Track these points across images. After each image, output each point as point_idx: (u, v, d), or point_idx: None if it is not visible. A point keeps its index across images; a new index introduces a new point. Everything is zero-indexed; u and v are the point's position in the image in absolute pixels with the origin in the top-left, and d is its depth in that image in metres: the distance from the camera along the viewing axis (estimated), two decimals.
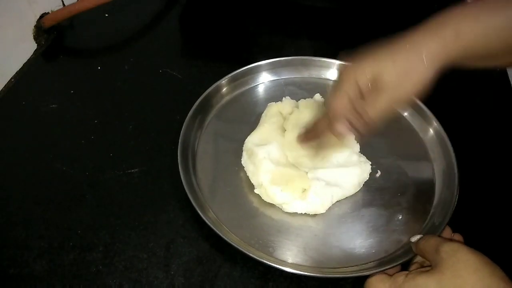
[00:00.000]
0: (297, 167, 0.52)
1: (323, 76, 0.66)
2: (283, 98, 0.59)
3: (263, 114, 0.58)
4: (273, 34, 0.78)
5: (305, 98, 0.60)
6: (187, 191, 0.49)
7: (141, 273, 0.46)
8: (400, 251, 0.47)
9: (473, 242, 0.49)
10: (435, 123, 0.58)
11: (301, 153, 0.53)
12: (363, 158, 0.53)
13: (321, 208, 0.50)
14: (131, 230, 0.49)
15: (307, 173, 0.51)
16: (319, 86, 0.64)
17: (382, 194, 0.52)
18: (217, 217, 0.49)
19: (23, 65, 0.69)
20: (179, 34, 0.79)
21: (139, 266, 0.47)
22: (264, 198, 0.51)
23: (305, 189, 0.50)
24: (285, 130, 0.55)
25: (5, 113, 0.62)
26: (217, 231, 0.46)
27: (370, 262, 0.46)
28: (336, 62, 0.65)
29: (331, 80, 0.65)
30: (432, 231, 0.47)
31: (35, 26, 0.71)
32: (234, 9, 0.82)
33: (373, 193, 0.53)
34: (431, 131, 0.58)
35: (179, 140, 0.54)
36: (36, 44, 0.72)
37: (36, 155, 0.57)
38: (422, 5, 0.77)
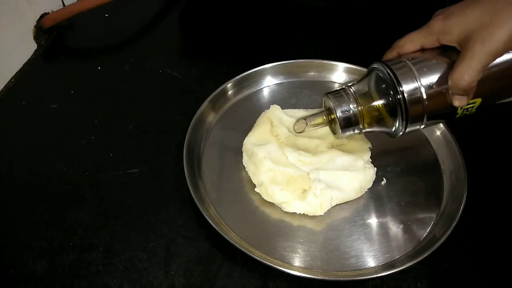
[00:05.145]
0: (298, 168, 0.52)
1: (327, 79, 0.66)
2: (270, 105, 0.58)
3: (258, 119, 0.58)
4: (273, 34, 0.78)
5: (310, 100, 0.61)
6: (191, 190, 0.49)
7: (141, 273, 0.46)
8: (396, 260, 0.47)
9: (475, 259, 0.49)
10: (442, 125, 0.57)
11: (302, 154, 0.53)
12: (369, 165, 0.53)
13: (319, 210, 0.50)
14: (131, 230, 0.49)
15: (308, 173, 0.51)
16: (326, 88, 0.65)
17: (385, 202, 0.52)
18: (217, 213, 0.50)
19: (23, 65, 0.69)
20: (179, 34, 0.79)
21: (139, 266, 0.47)
22: (264, 196, 0.51)
23: (305, 190, 0.50)
24: (276, 135, 0.55)
25: (5, 113, 0.62)
26: (217, 229, 0.46)
27: (363, 269, 0.46)
28: (340, 64, 0.65)
29: (336, 82, 0.66)
30: (433, 243, 0.46)
31: (35, 26, 0.71)
32: (233, 9, 0.82)
33: (376, 200, 0.52)
34: (439, 134, 0.58)
35: (185, 142, 0.54)
36: (36, 44, 0.72)
37: (36, 155, 0.57)
38: (422, 6, 0.78)
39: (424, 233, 0.49)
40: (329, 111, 0.48)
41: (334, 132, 0.49)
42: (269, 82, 0.65)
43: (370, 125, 0.47)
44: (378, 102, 0.45)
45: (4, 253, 0.47)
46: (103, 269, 0.46)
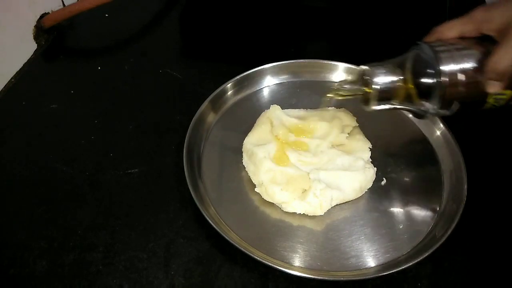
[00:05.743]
0: (298, 168, 0.52)
1: (327, 79, 0.66)
2: (270, 105, 0.58)
3: (258, 119, 0.58)
4: (273, 34, 0.78)
5: (310, 100, 0.61)
6: (191, 190, 0.49)
7: (141, 273, 0.46)
8: (396, 260, 0.47)
9: (475, 259, 0.49)
10: (442, 124, 0.57)
11: (302, 154, 0.53)
12: (369, 165, 0.53)
13: (319, 210, 0.50)
14: (131, 230, 0.49)
15: (308, 173, 0.51)
16: (326, 88, 0.64)
17: (385, 202, 0.52)
18: (217, 213, 0.50)
19: (23, 65, 0.69)
20: (179, 34, 0.79)
21: (139, 266, 0.47)
22: (264, 196, 0.51)
23: (305, 190, 0.50)
24: (276, 136, 0.55)
25: (5, 113, 0.62)
26: (217, 229, 0.46)
27: (363, 269, 0.46)
28: (340, 64, 0.65)
29: (336, 82, 0.65)
30: (433, 243, 0.46)
31: (35, 26, 0.71)
32: (233, 9, 0.82)
33: (376, 200, 0.52)
34: (439, 134, 0.58)
35: (185, 142, 0.54)
36: (36, 44, 0.72)
37: (36, 155, 0.57)
38: (422, 6, 0.78)
39: (424, 233, 0.49)
40: (365, 82, 0.48)
41: (365, 103, 0.50)
42: (269, 82, 0.65)
43: (402, 102, 0.48)
44: (416, 80, 0.46)
45: (4, 253, 0.47)
46: (103, 269, 0.46)
